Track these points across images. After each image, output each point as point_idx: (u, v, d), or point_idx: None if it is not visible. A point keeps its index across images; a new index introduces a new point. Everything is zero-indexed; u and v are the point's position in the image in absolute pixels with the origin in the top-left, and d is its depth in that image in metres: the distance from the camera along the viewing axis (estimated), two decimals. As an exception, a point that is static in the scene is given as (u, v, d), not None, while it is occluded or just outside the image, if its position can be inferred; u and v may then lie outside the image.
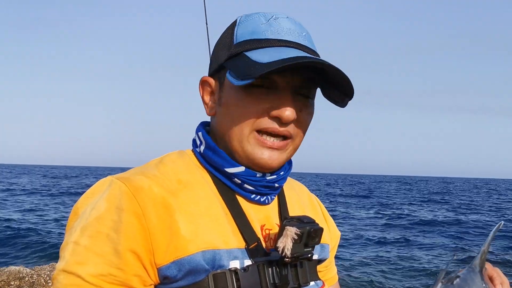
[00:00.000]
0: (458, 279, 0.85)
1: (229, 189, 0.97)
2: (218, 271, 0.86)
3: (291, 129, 0.93)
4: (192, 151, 1.02)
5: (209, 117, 1.03)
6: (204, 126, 1.03)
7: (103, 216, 0.83)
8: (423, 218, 19.70)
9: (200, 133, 1.01)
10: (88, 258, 0.80)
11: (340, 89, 0.93)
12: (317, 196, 1.25)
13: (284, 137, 0.94)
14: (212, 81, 0.99)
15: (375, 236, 14.54)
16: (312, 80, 0.93)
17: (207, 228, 0.88)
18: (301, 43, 0.93)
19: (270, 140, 0.93)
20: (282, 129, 0.92)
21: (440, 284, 0.78)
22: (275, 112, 0.90)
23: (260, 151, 0.92)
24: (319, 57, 0.95)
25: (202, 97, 1.01)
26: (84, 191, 0.93)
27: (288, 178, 1.15)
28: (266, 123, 0.91)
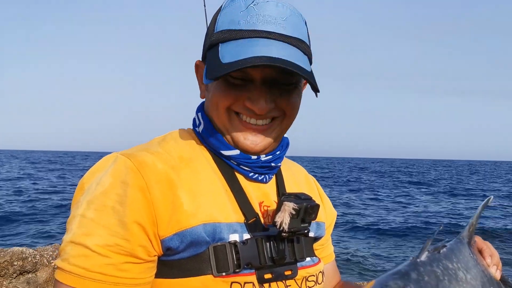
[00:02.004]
0: (444, 249, 0.85)
1: (228, 167, 1.00)
2: (218, 243, 0.90)
3: (273, 113, 0.97)
4: (193, 130, 1.06)
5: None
6: (203, 107, 1.07)
7: (109, 190, 0.86)
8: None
9: (199, 114, 1.05)
10: (95, 229, 0.83)
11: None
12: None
13: (270, 119, 0.98)
14: (202, 65, 1.04)
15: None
16: (284, 71, 0.93)
17: (208, 202, 0.92)
18: (277, 32, 0.93)
19: (253, 123, 0.97)
20: (260, 123, 0.96)
21: (426, 253, 0.79)
22: (248, 105, 0.94)
23: (243, 135, 0.97)
24: (303, 39, 0.96)
25: (197, 79, 1.07)
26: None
27: (287, 160, 1.20)
28: (241, 108, 0.96)
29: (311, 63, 1.00)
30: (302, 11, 1.01)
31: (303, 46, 0.96)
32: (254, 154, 0.99)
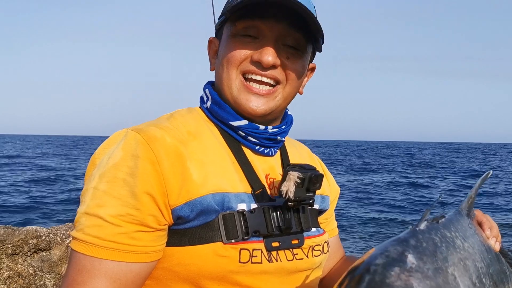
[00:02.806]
0: (443, 219, 0.87)
1: (235, 141, 1.03)
2: (227, 212, 0.93)
3: (277, 74, 1.00)
4: (200, 107, 1.09)
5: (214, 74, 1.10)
6: (210, 84, 1.10)
7: (120, 163, 0.89)
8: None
9: (207, 90, 1.08)
10: (107, 200, 0.86)
11: (313, 32, 0.99)
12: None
13: (273, 86, 1.01)
14: (215, 40, 1.09)
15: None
16: (295, 27, 0.98)
17: (216, 174, 0.95)
18: None
19: (256, 87, 1.00)
20: (265, 73, 0.99)
21: (425, 222, 0.81)
22: (255, 56, 0.98)
23: (246, 96, 1.00)
24: (314, 14, 1.00)
25: (209, 55, 1.11)
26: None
27: (291, 139, 1.23)
28: (249, 66, 0.99)
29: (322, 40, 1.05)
30: None
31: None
32: (255, 116, 1.01)
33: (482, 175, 1.13)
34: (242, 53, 0.99)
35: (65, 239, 3.58)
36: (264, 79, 1.00)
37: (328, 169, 1.31)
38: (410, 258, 0.69)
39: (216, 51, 1.08)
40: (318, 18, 1.03)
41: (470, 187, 1.08)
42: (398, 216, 12.08)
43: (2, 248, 3.16)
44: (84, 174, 0.99)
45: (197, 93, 1.13)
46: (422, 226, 0.79)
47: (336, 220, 1.32)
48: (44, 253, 3.44)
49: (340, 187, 1.32)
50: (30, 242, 3.35)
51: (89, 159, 0.98)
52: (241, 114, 1.02)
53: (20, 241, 3.32)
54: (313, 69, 1.15)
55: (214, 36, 1.11)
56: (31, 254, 3.38)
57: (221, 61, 1.03)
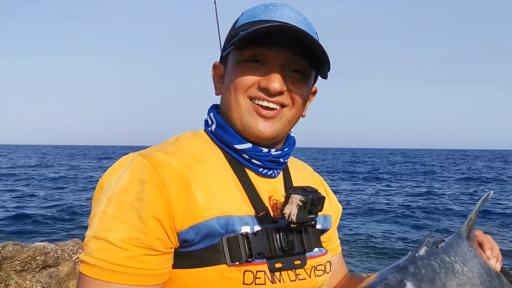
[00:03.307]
0: (443, 243, 0.88)
1: (239, 163, 1.06)
2: (231, 235, 0.95)
3: (283, 99, 1.03)
4: (205, 130, 1.13)
5: (219, 99, 1.13)
6: (215, 108, 1.14)
7: (127, 188, 0.92)
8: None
9: (211, 114, 1.11)
10: (115, 225, 0.89)
11: (319, 56, 1.02)
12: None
13: (279, 106, 1.04)
14: (220, 65, 1.12)
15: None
16: (300, 54, 1.02)
17: (220, 197, 0.97)
18: (292, 24, 1.01)
19: (265, 105, 1.03)
20: (272, 99, 1.02)
21: (424, 247, 0.82)
22: (263, 83, 1.01)
23: (254, 119, 1.03)
24: (314, 36, 1.03)
25: (213, 80, 1.14)
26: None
27: (293, 159, 1.26)
28: (256, 92, 1.02)
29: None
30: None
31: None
32: (262, 139, 1.04)
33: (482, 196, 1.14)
34: (249, 79, 1.02)
35: (72, 255, 3.61)
36: (271, 105, 1.03)
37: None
38: (409, 286, 0.71)
39: (221, 76, 1.11)
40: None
41: None
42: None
43: (11, 264, 3.19)
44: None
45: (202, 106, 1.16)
46: (422, 251, 0.80)
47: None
48: (52, 269, 3.47)
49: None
50: (38, 258, 3.38)
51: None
52: (245, 137, 1.05)
53: (29, 257, 3.35)
54: (314, 92, 1.18)
55: (218, 61, 1.15)
56: (39, 271, 3.41)
57: (228, 86, 1.05)
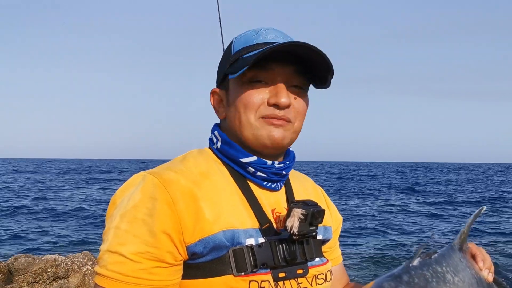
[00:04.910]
0: (436, 255, 0.92)
1: (243, 178, 1.12)
2: (237, 247, 1.01)
3: (289, 114, 1.10)
4: (209, 148, 1.19)
5: (220, 121, 1.20)
6: (218, 126, 1.20)
7: (139, 204, 0.98)
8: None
9: (216, 132, 1.17)
10: (128, 239, 0.95)
11: (322, 68, 1.09)
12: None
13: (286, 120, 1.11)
14: (220, 91, 1.18)
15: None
16: (299, 71, 1.09)
17: (226, 211, 1.04)
18: (287, 40, 1.09)
19: (275, 121, 1.09)
20: (281, 114, 1.08)
21: (418, 258, 0.87)
22: (272, 100, 1.07)
23: (268, 128, 1.08)
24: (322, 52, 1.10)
25: (213, 105, 1.20)
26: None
27: (295, 172, 1.32)
28: (267, 110, 1.08)
29: None
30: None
31: None
32: (278, 145, 1.09)
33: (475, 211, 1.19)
34: (259, 98, 1.08)
35: (82, 267, 3.67)
36: (280, 122, 1.09)
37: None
38: None
39: (221, 101, 1.16)
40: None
41: None
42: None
43: (23, 276, 3.26)
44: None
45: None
46: (415, 262, 0.86)
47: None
48: (62, 281, 3.54)
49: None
50: (49, 270, 3.45)
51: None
52: (251, 150, 1.11)
53: (40, 269, 3.42)
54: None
55: (216, 86, 1.20)
56: (50, 282, 3.48)
57: (237, 106, 1.10)
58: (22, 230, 12.86)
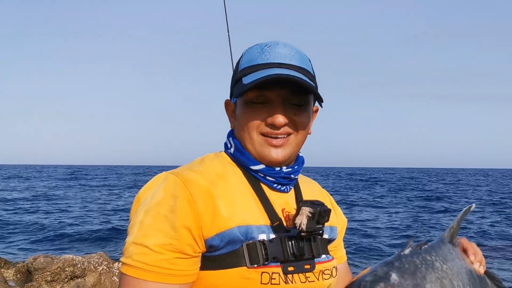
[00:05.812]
0: (426, 246, 1.02)
1: (256, 180, 1.22)
2: (250, 241, 1.10)
3: (288, 129, 1.20)
4: (225, 152, 1.30)
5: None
6: (233, 133, 1.30)
7: (162, 201, 1.08)
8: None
9: (230, 138, 1.29)
10: (152, 232, 1.05)
11: (307, 91, 1.19)
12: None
13: (286, 136, 1.21)
14: (230, 103, 1.30)
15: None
16: (296, 91, 1.19)
17: (240, 209, 1.13)
18: (286, 62, 1.19)
19: (274, 136, 1.20)
20: (279, 132, 1.19)
21: (409, 248, 0.96)
22: (269, 120, 1.18)
23: (267, 149, 1.20)
24: (308, 69, 1.22)
25: (228, 115, 1.33)
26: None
27: (304, 177, 1.43)
28: (266, 128, 1.19)
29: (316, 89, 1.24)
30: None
31: (308, 76, 1.21)
32: (276, 164, 1.20)
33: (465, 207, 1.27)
34: (258, 119, 1.19)
35: (98, 267, 3.79)
36: (279, 136, 1.19)
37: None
38: (394, 276, 0.86)
39: (233, 112, 1.28)
40: (314, 69, 1.24)
41: None
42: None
43: (42, 275, 3.38)
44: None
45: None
46: (406, 251, 0.95)
47: None
48: (79, 279, 3.65)
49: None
50: (67, 269, 3.56)
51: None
52: (260, 160, 1.21)
53: (58, 268, 3.54)
54: (316, 111, 1.33)
55: (228, 98, 1.31)
56: (67, 281, 3.59)
57: (241, 124, 1.22)
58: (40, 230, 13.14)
